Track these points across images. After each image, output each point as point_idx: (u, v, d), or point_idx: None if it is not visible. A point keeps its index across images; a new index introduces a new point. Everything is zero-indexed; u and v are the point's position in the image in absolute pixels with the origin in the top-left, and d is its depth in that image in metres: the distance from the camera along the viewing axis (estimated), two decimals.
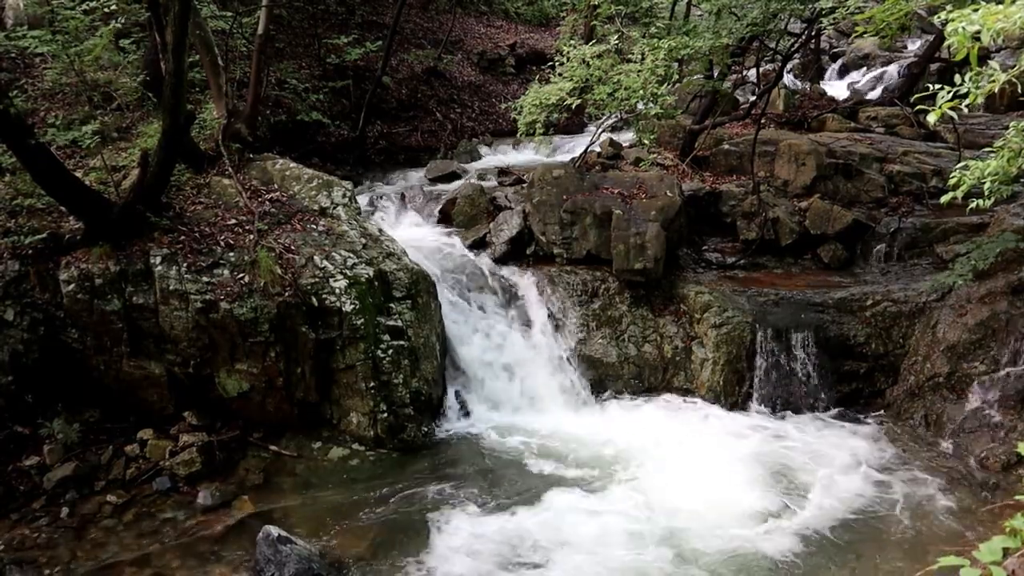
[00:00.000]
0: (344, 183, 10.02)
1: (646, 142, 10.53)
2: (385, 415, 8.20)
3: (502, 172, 12.89)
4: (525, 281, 10.22)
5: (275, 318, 7.91)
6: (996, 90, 3.93)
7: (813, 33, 14.17)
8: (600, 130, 12.56)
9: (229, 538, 6.85)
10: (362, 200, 11.43)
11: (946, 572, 2.55)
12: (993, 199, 5.66)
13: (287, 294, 8.03)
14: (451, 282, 10.01)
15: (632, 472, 7.87)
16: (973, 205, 5.81)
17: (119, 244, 7.99)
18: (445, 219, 11.49)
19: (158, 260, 7.96)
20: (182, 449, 7.74)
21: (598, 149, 13.08)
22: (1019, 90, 3.88)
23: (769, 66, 14.56)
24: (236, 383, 8.11)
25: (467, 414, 9.11)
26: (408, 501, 7.39)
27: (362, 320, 8.21)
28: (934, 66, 15.14)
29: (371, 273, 8.60)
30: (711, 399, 9.34)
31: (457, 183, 12.83)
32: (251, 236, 8.43)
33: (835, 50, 20.96)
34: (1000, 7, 3.37)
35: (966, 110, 3.91)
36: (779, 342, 9.30)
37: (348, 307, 8.19)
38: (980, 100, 3.90)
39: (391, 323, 8.56)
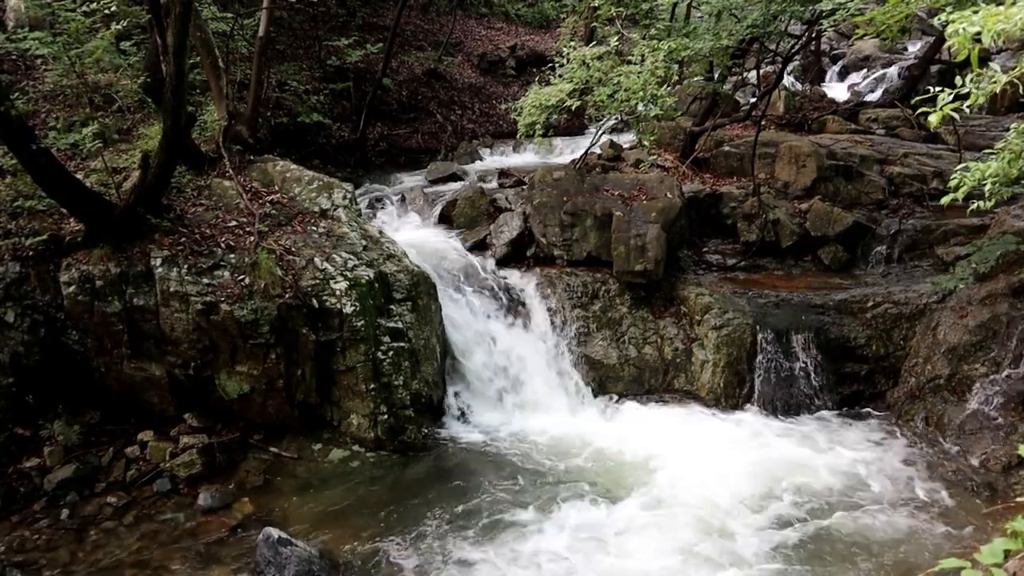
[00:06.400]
0: (345, 185, 10.02)
1: (646, 144, 10.53)
2: (385, 417, 8.20)
3: (502, 174, 12.90)
4: (526, 283, 10.22)
5: (276, 320, 7.91)
6: (997, 92, 3.93)
7: (813, 35, 14.18)
8: (600, 132, 12.57)
9: (229, 540, 6.85)
10: (363, 202, 11.44)
11: (947, 574, 2.55)
12: (994, 201, 5.67)
13: (288, 296, 8.03)
14: (452, 284, 10.01)
15: (632, 475, 7.87)
16: (974, 207, 5.82)
17: (120, 246, 7.99)
18: (446, 221, 11.49)
19: (159, 262, 7.96)
20: (183, 451, 7.74)
21: (598, 151, 13.09)
22: (1020, 92, 3.88)
23: (769, 68, 14.56)
24: (237, 385, 8.11)
25: (467, 416, 9.11)
26: (408, 503, 7.38)
27: (362, 322, 8.21)
28: (935, 68, 15.16)
29: (372, 275, 8.60)
30: (712, 401, 9.34)
31: (457, 185, 12.84)
32: (252, 238, 8.43)
33: (835, 52, 20.98)
34: (1001, 8, 3.37)
35: (967, 112, 3.91)
36: (780, 344, 9.30)
37: (348, 309, 8.19)
38: (981, 102, 3.90)
39: (391, 325, 8.56)
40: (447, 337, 9.45)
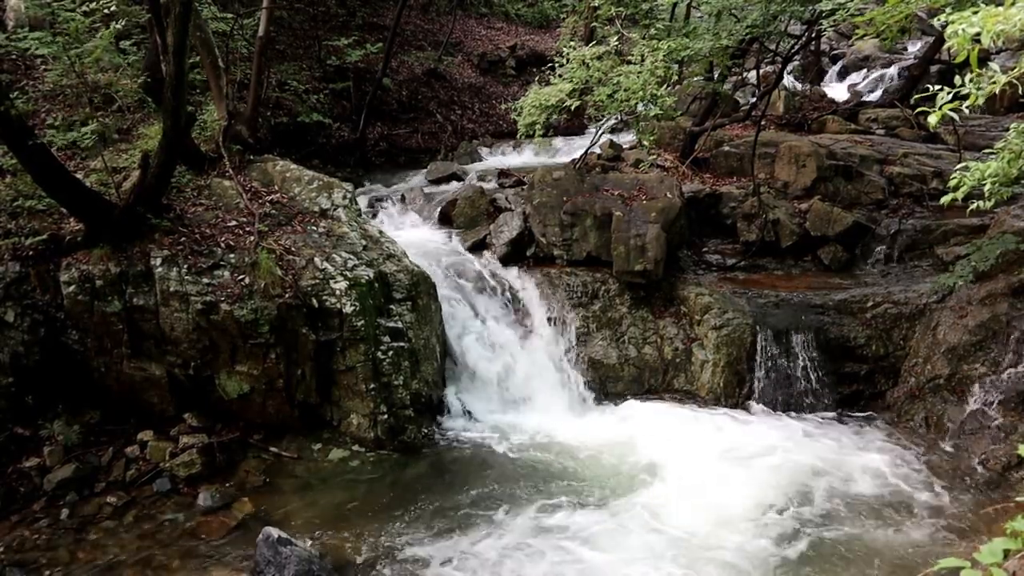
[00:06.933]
0: (344, 184, 10.02)
1: (646, 144, 10.53)
2: (385, 416, 8.20)
3: (502, 174, 12.90)
4: (525, 283, 10.22)
5: (275, 320, 7.91)
6: (996, 92, 3.93)
7: (813, 35, 14.17)
8: (600, 132, 12.56)
9: (229, 540, 6.85)
10: (362, 201, 11.44)
11: (947, 574, 2.55)
12: (993, 201, 5.66)
13: (287, 296, 8.03)
14: (451, 283, 10.01)
15: (632, 476, 7.86)
16: (973, 207, 5.81)
17: (120, 245, 7.99)
18: (445, 221, 11.50)
19: (159, 261, 7.96)
20: (182, 450, 7.74)
21: (598, 151, 13.09)
22: (1020, 92, 3.88)
23: (769, 68, 14.56)
24: (236, 385, 8.11)
25: (467, 416, 9.11)
26: (408, 503, 7.38)
27: (362, 322, 8.21)
28: (934, 68, 15.15)
29: (371, 275, 8.61)
30: (712, 401, 9.34)
31: (457, 185, 12.84)
32: (252, 238, 8.44)
33: (835, 52, 20.97)
34: (1000, 9, 3.37)
35: (967, 112, 3.91)
36: (779, 344, 9.30)
37: (348, 309, 8.19)
38: (981, 102, 3.90)
39: (391, 324, 8.57)
40: (447, 337, 9.45)
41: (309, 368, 8.21)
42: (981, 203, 5.70)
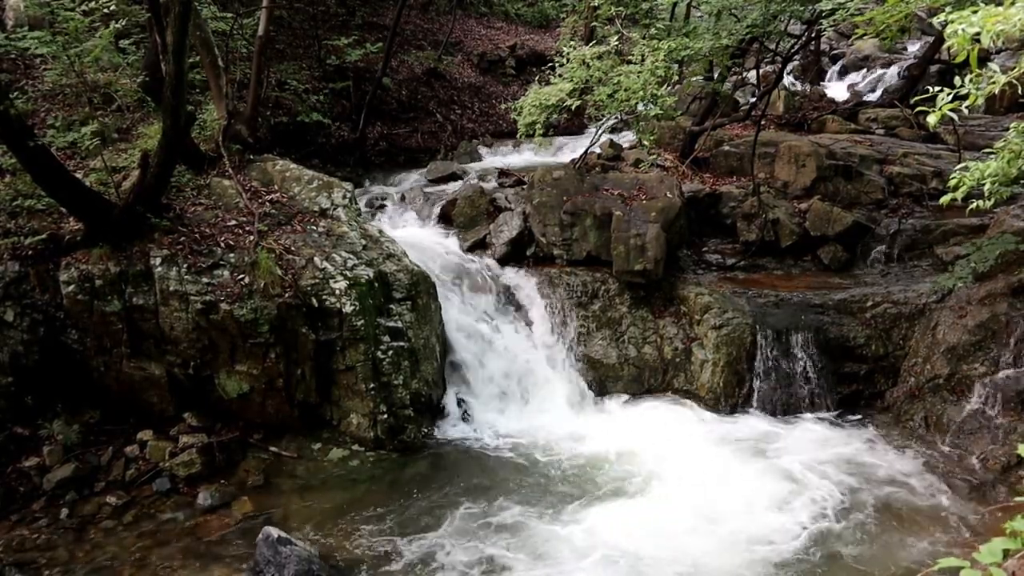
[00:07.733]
0: (344, 184, 10.02)
1: (646, 143, 10.53)
2: (385, 416, 8.20)
3: (502, 173, 12.89)
4: (525, 282, 10.22)
5: (275, 319, 7.91)
6: (996, 92, 3.93)
7: (813, 35, 14.16)
8: (600, 131, 12.56)
9: (229, 539, 6.85)
10: (362, 201, 11.44)
11: (946, 573, 2.55)
12: (993, 200, 5.65)
13: (287, 295, 8.03)
14: (451, 283, 10.01)
15: (631, 477, 7.85)
16: (973, 206, 5.81)
17: (119, 245, 7.99)
18: (445, 220, 11.49)
19: (158, 261, 7.96)
20: (182, 450, 7.74)
21: (598, 150, 13.09)
22: (1019, 92, 3.88)
23: (769, 68, 14.56)
24: (236, 384, 8.11)
25: (467, 415, 9.11)
26: (407, 503, 7.39)
27: (362, 321, 8.21)
28: (934, 68, 15.16)
29: (371, 274, 8.61)
30: (711, 401, 9.33)
31: (457, 184, 12.84)
32: (251, 237, 8.43)
33: (835, 52, 20.96)
34: (1000, 9, 3.37)
35: (966, 112, 3.91)
36: (779, 343, 9.30)
37: (348, 308, 8.19)
38: (980, 102, 3.90)
39: (391, 324, 8.57)
40: (447, 336, 9.45)
41: (309, 368, 8.21)
42: (981, 203, 5.69)
